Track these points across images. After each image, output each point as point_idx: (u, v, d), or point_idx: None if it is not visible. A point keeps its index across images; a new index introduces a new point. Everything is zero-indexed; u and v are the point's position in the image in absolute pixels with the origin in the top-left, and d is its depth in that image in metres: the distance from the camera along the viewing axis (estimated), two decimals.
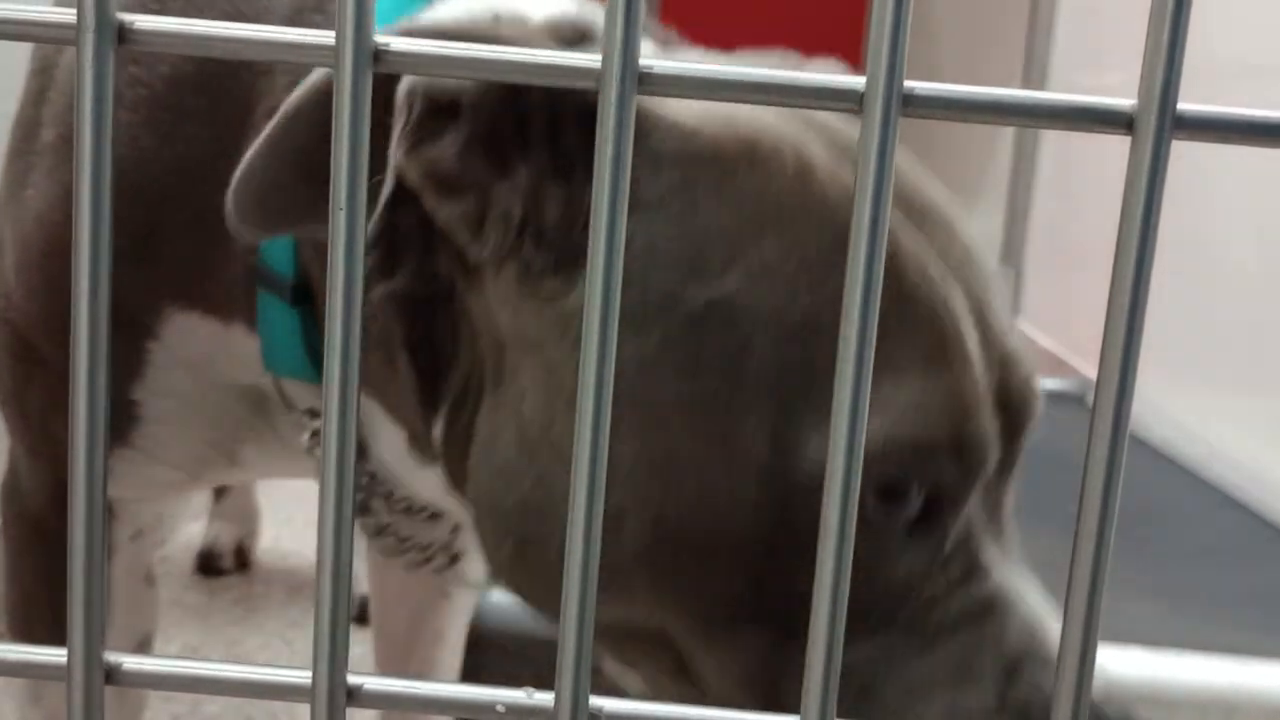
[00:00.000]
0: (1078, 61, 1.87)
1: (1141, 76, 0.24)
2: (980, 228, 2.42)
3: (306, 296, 0.46)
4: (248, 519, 1.39)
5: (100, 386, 0.24)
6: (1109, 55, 1.75)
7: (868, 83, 0.24)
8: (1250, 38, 1.31)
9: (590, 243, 0.24)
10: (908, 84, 0.24)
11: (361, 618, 1.30)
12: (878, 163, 0.24)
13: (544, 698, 0.22)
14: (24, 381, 0.51)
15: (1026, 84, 1.99)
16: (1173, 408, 1.46)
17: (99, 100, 0.23)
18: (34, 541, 0.54)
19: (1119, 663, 0.88)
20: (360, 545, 1.36)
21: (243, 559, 1.38)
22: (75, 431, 0.25)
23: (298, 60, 0.25)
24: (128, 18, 0.24)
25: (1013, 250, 2.08)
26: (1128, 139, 0.24)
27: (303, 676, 0.21)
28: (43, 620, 0.54)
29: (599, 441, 0.23)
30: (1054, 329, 1.90)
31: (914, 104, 0.25)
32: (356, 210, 0.23)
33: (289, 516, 1.53)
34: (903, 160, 0.41)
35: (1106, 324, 0.24)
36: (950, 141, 2.48)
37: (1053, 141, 2.00)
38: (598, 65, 0.24)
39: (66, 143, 0.47)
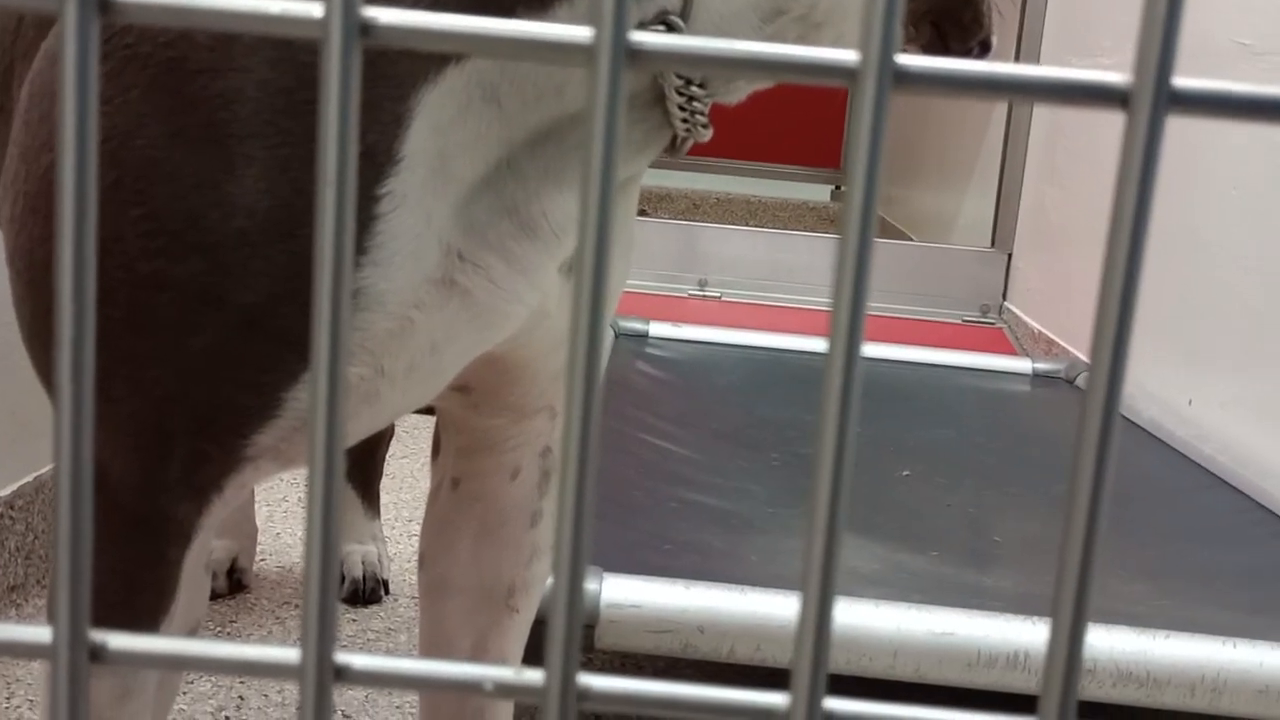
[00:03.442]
0: (1070, 46, 1.87)
1: (1137, 51, 0.24)
2: (971, 211, 2.43)
3: None
4: (245, 533, 1.30)
5: (86, 363, 0.24)
6: (1101, 40, 1.75)
7: (861, 57, 0.24)
8: (1247, 20, 1.30)
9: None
10: (901, 60, 0.24)
11: (355, 598, 1.31)
12: (870, 139, 0.24)
13: (533, 675, 0.22)
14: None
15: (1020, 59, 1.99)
16: (1161, 389, 1.47)
17: (82, 71, 0.22)
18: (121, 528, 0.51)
19: (1107, 642, 0.88)
20: (364, 530, 1.35)
21: (237, 579, 1.29)
22: (60, 407, 0.25)
23: (284, 33, 0.24)
24: None
25: (1003, 233, 2.08)
26: (1119, 123, 0.24)
27: (291, 655, 0.21)
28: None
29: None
30: (1044, 311, 1.90)
31: (907, 80, 0.25)
32: (346, 185, 0.23)
33: (283, 496, 1.53)
34: None
35: (1099, 301, 0.24)
36: (941, 125, 2.48)
37: (1043, 125, 2.00)
38: (591, 41, 0.24)
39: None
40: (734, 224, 2.34)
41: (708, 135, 0.53)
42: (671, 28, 0.48)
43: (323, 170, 0.24)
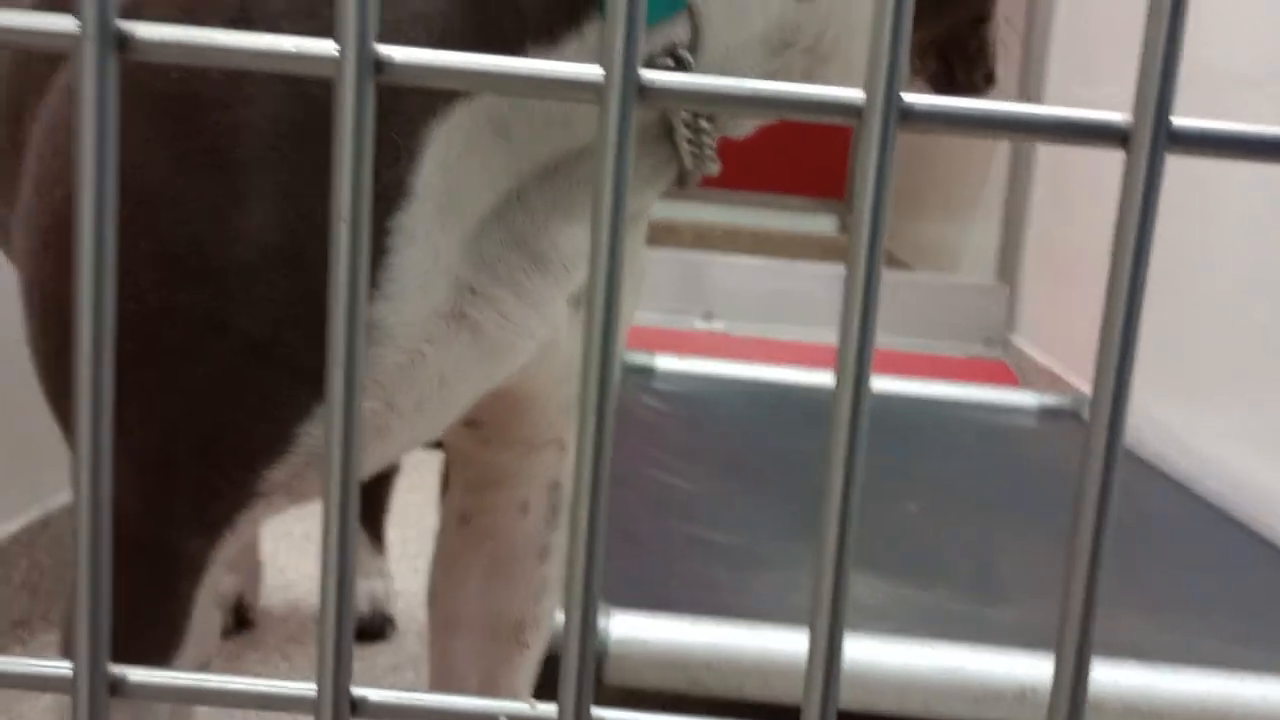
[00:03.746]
0: (1073, 75, 1.88)
1: (1136, 91, 0.24)
2: (976, 242, 2.43)
3: None
4: (250, 570, 1.28)
5: (106, 390, 0.24)
6: (1103, 69, 1.76)
7: (867, 96, 0.24)
8: (1247, 50, 1.31)
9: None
10: (905, 98, 0.25)
11: (362, 634, 1.30)
12: (877, 177, 0.24)
13: (547, 709, 0.22)
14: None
15: (1022, 97, 2.00)
16: (1165, 421, 1.47)
17: (101, 110, 0.23)
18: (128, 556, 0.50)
19: (1112, 677, 0.88)
20: (370, 566, 1.35)
21: (243, 615, 1.27)
22: (79, 441, 0.25)
23: (300, 71, 0.25)
24: (127, 26, 0.24)
25: (1008, 266, 2.09)
26: (1122, 155, 0.25)
27: (308, 688, 0.21)
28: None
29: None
30: (1049, 344, 1.90)
31: (912, 118, 0.25)
32: (360, 221, 0.23)
33: (288, 530, 1.53)
34: None
35: (1101, 337, 0.24)
36: (946, 158, 2.49)
37: (1048, 157, 2.00)
38: (600, 78, 0.24)
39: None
40: (740, 255, 2.35)
41: (716, 168, 0.54)
42: (680, 60, 0.48)
43: (337, 206, 0.24)
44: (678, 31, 0.49)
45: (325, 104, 0.45)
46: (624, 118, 0.25)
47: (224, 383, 0.47)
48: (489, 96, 0.47)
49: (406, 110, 0.46)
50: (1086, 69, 1.82)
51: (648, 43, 0.48)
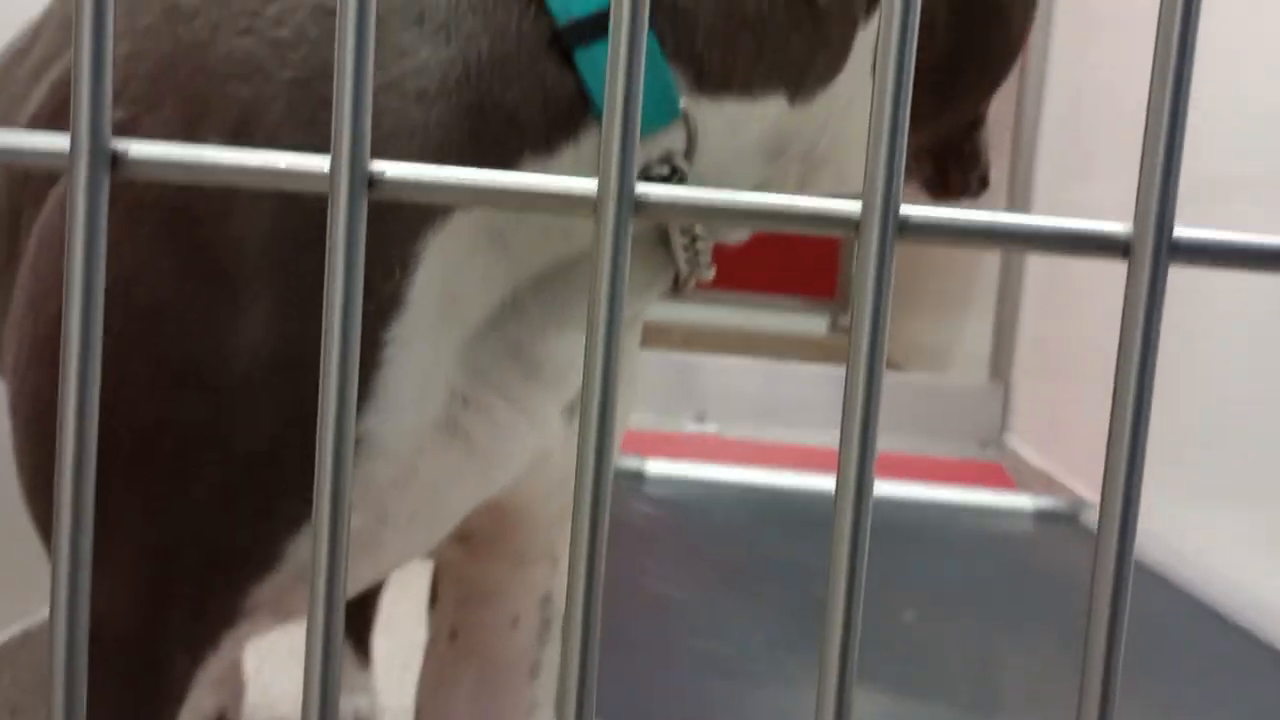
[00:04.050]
0: (1064, 175, 1.90)
1: (1137, 201, 0.24)
2: (968, 342, 2.44)
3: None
4: (233, 686, 1.25)
5: (86, 505, 0.24)
6: (1094, 168, 1.78)
7: (864, 208, 0.24)
8: (1244, 154, 1.33)
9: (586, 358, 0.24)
10: (904, 209, 0.24)
11: None
12: (875, 289, 0.24)
13: None
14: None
15: (1012, 198, 2.02)
16: (1168, 528, 1.46)
17: (91, 228, 0.23)
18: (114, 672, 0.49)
19: None
20: (355, 681, 1.32)
21: None
22: (58, 558, 0.24)
23: (292, 188, 0.24)
24: (121, 144, 0.24)
25: (1001, 365, 2.09)
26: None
27: None
28: None
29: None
30: (1044, 444, 1.90)
31: (910, 230, 0.25)
32: (351, 339, 0.23)
33: (272, 645, 1.50)
34: None
35: (1108, 454, 0.24)
36: (936, 257, 2.52)
37: (1039, 256, 2.02)
38: (594, 192, 0.24)
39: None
40: (731, 355, 2.35)
41: (710, 274, 0.53)
42: (676, 169, 0.49)
43: (328, 321, 0.24)
44: (673, 139, 0.49)
45: (323, 214, 0.45)
46: (620, 232, 0.24)
47: (218, 498, 0.47)
48: (490, 212, 0.47)
49: (404, 219, 0.46)
50: (1077, 168, 1.85)
51: (643, 151, 0.49)
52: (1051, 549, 1.51)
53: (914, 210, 0.25)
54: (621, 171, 0.24)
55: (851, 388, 0.24)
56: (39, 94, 0.54)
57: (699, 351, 2.41)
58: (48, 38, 0.55)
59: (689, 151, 0.49)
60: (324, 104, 0.45)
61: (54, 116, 0.52)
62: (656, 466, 1.72)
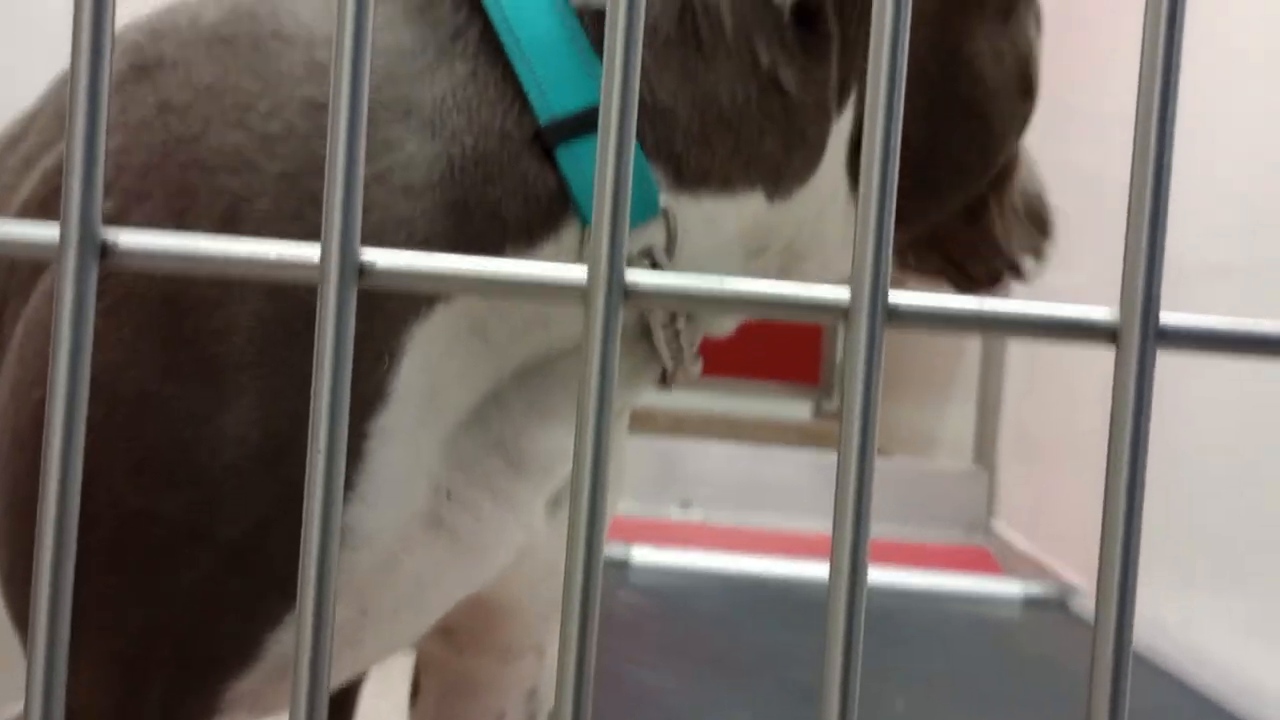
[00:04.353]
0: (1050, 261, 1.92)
1: (1122, 287, 0.24)
2: (951, 426, 2.44)
3: None
4: None
5: (64, 606, 0.23)
6: (1074, 255, 1.80)
7: (852, 295, 0.24)
8: (1218, 241, 1.35)
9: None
10: (892, 296, 0.25)
11: None
12: (865, 376, 0.24)
13: None
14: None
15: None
16: (1156, 613, 1.45)
17: (79, 318, 0.22)
18: None
19: None
20: None
21: None
22: (34, 650, 0.24)
23: (282, 278, 0.24)
24: (111, 234, 0.24)
25: (985, 449, 2.09)
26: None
27: None
28: None
29: None
30: (1031, 529, 1.89)
31: (899, 316, 0.25)
32: (338, 433, 0.23)
33: None
34: None
35: (1102, 543, 0.24)
36: (917, 342, 2.53)
37: (1019, 340, 2.03)
38: (584, 280, 0.24)
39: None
40: (715, 441, 2.35)
41: (698, 369, 0.53)
42: (656, 264, 0.49)
43: (316, 412, 0.24)
44: (653, 235, 0.49)
45: (310, 305, 0.45)
46: (609, 319, 0.24)
47: (200, 589, 0.46)
48: (468, 298, 0.47)
49: (387, 313, 0.46)
50: (1057, 255, 1.86)
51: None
52: (1041, 636, 1.49)
53: (902, 297, 0.25)
54: (611, 258, 0.24)
55: (843, 474, 0.24)
56: (30, 183, 0.54)
57: (683, 437, 2.40)
58: (41, 126, 0.55)
59: (669, 247, 0.50)
60: (312, 198, 0.45)
61: (44, 205, 0.53)
62: (641, 554, 1.71)
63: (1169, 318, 0.24)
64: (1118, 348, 0.24)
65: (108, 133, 0.49)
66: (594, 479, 0.24)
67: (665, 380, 0.54)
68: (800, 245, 0.54)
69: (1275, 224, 1.28)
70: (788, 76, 0.51)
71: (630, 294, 0.25)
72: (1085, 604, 1.55)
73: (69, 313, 0.23)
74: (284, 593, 0.46)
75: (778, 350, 3.22)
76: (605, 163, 0.23)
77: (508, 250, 0.47)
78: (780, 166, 0.51)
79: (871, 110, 0.23)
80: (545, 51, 0.48)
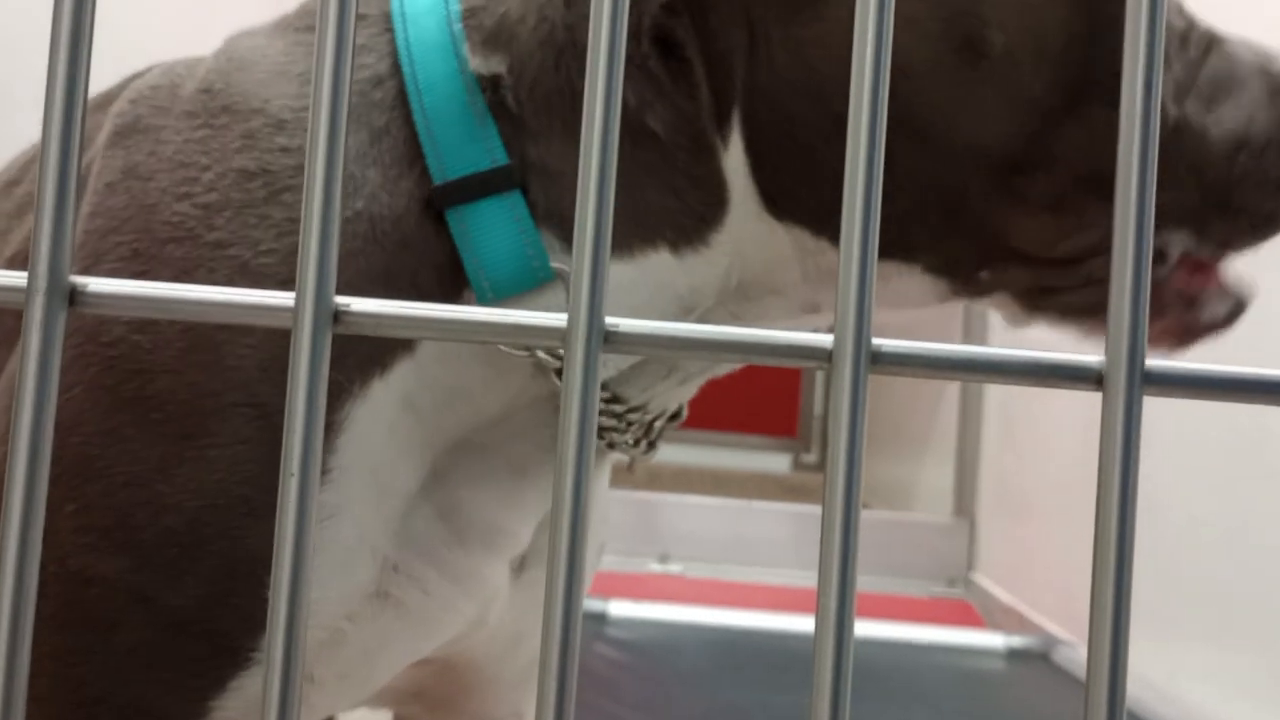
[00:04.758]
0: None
1: (1107, 334, 0.24)
2: (931, 479, 2.43)
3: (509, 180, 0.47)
4: None
5: (21, 669, 0.22)
6: None
7: (836, 341, 0.24)
8: None
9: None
10: (876, 341, 0.24)
11: None
12: (850, 421, 0.24)
13: None
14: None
15: (967, 333, 2.04)
16: (1142, 665, 1.44)
17: (44, 365, 0.22)
18: None
19: None
20: None
21: None
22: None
23: (255, 322, 0.24)
24: (80, 280, 0.24)
25: (965, 501, 2.09)
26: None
27: None
28: None
29: None
30: (1012, 581, 1.89)
31: (883, 361, 0.24)
32: (309, 478, 0.22)
33: None
34: None
35: (1093, 593, 0.23)
36: (895, 393, 2.53)
37: (997, 391, 2.04)
38: (564, 324, 0.24)
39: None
40: (694, 494, 2.34)
41: (647, 455, 0.52)
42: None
43: (286, 458, 0.23)
44: (553, 304, 0.47)
45: (250, 375, 0.45)
46: (589, 365, 0.24)
47: (144, 653, 0.46)
48: (401, 371, 0.47)
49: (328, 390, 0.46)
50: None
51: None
52: (1025, 688, 1.48)
53: (886, 342, 0.24)
54: (591, 304, 0.24)
55: (829, 519, 0.23)
56: (23, 229, 0.54)
57: (661, 490, 2.39)
58: (35, 173, 0.55)
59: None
60: (240, 267, 0.46)
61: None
62: (620, 608, 1.69)
63: (1154, 362, 0.24)
64: (1104, 392, 0.24)
65: (85, 194, 0.49)
66: (573, 534, 0.23)
67: (632, 462, 0.53)
68: (750, 285, 0.50)
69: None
70: (656, 117, 0.47)
71: (611, 338, 0.24)
72: (1068, 655, 1.54)
73: (35, 359, 0.22)
74: (231, 658, 0.46)
75: (755, 403, 3.22)
76: (585, 206, 0.23)
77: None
78: (676, 217, 0.48)
79: (853, 156, 0.23)
80: (443, 113, 0.47)
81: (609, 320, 0.24)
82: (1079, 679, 1.47)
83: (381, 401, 0.47)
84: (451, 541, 0.50)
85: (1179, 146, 0.48)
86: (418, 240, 0.47)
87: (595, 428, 0.24)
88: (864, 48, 0.22)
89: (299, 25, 0.52)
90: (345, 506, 0.47)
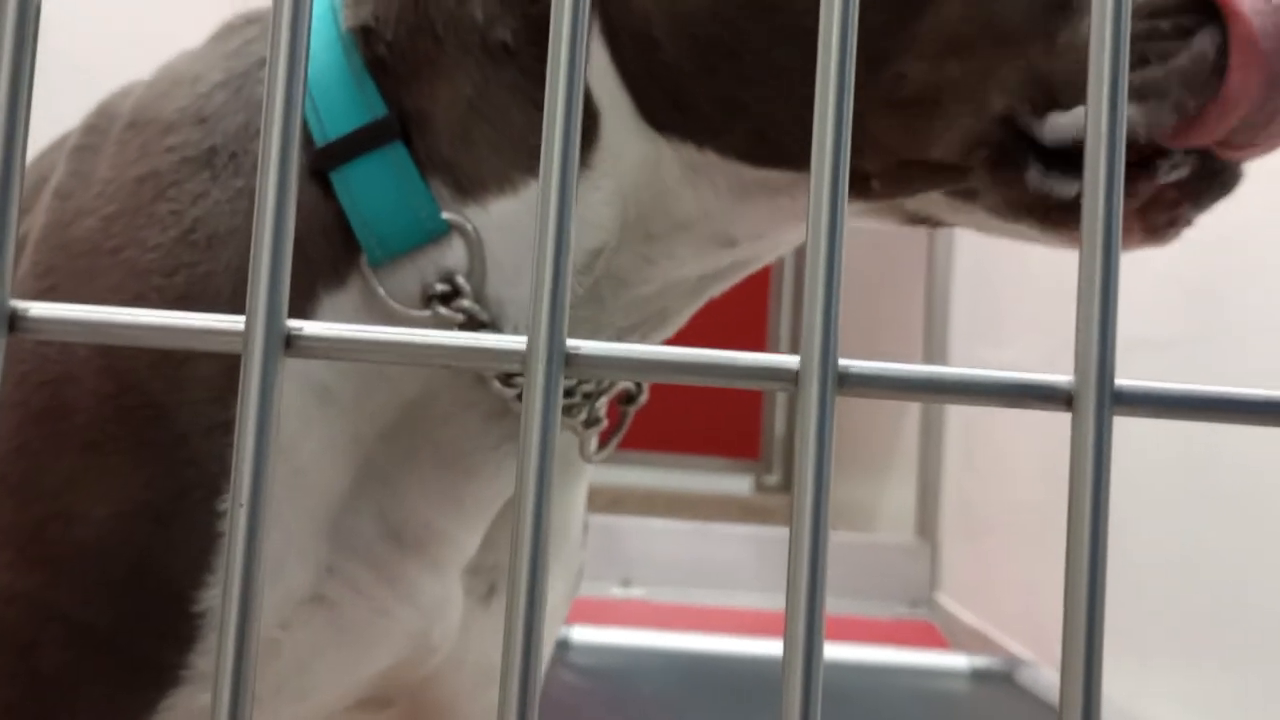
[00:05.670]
0: (975, 338, 1.94)
1: (1076, 353, 0.24)
2: (893, 500, 2.44)
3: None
4: None
5: None
6: (1005, 331, 1.82)
7: (802, 361, 0.24)
8: (1147, 315, 1.37)
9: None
10: (843, 362, 0.24)
11: None
12: (817, 443, 0.23)
13: None
14: None
15: (928, 361, 2.05)
16: (1108, 688, 1.44)
17: None
18: None
19: None
20: None
21: None
22: None
23: (205, 347, 0.23)
24: (21, 305, 0.23)
25: (927, 522, 2.09)
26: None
27: None
28: None
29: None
30: (975, 602, 1.89)
31: (850, 382, 0.24)
32: (259, 505, 0.21)
33: None
34: None
35: (1065, 616, 0.23)
36: (855, 415, 2.54)
37: (959, 412, 2.05)
38: (523, 347, 0.23)
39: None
40: (656, 517, 2.33)
41: (590, 430, 0.50)
42: (458, 290, 0.46)
43: (235, 488, 0.22)
44: (449, 256, 0.46)
45: (141, 375, 0.45)
46: (550, 388, 0.23)
47: (66, 672, 0.45)
48: (310, 366, 0.45)
49: (232, 392, 0.45)
50: (989, 332, 1.89)
51: (415, 271, 0.46)
52: (989, 709, 1.48)
53: (854, 363, 0.24)
54: (552, 325, 0.23)
55: (796, 543, 0.23)
56: None
57: (622, 514, 2.38)
58: None
59: (474, 268, 0.46)
60: (130, 269, 0.46)
61: None
62: (582, 634, 1.68)
63: (1125, 382, 0.24)
64: (1074, 412, 0.24)
65: (38, 212, 0.49)
66: (533, 561, 0.22)
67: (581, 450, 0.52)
68: (647, 220, 0.47)
69: (1204, 299, 1.31)
70: (505, 28, 0.45)
71: (572, 359, 0.24)
72: (1032, 676, 1.55)
73: None
74: (154, 678, 0.45)
75: (717, 425, 3.22)
76: (545, 221, 0.22)
77: (318, 292, 0.46)
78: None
79: (817, 172, 0.23)
80: (324, 76, 0.46)
81: (570, 342, 0.24)
82: (1043, 699, 1.47)
83: (292, 400, 0.45)
84: (387, 539, 0.48)
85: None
86: (303, 207, 0.44)
87: (555, 452, 0.23)
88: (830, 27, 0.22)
89: (218, 36, 0.53)
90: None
